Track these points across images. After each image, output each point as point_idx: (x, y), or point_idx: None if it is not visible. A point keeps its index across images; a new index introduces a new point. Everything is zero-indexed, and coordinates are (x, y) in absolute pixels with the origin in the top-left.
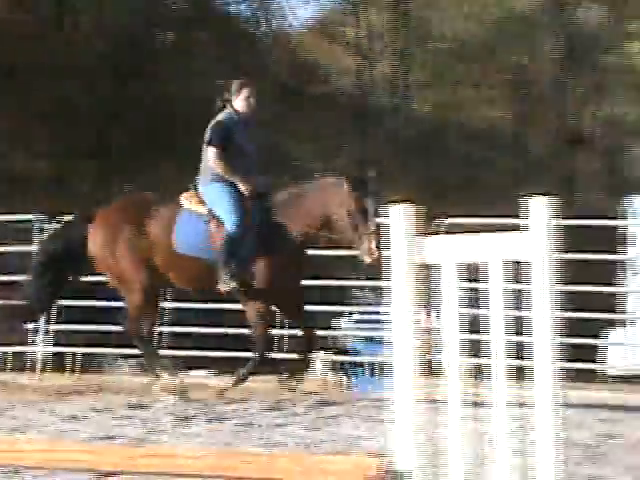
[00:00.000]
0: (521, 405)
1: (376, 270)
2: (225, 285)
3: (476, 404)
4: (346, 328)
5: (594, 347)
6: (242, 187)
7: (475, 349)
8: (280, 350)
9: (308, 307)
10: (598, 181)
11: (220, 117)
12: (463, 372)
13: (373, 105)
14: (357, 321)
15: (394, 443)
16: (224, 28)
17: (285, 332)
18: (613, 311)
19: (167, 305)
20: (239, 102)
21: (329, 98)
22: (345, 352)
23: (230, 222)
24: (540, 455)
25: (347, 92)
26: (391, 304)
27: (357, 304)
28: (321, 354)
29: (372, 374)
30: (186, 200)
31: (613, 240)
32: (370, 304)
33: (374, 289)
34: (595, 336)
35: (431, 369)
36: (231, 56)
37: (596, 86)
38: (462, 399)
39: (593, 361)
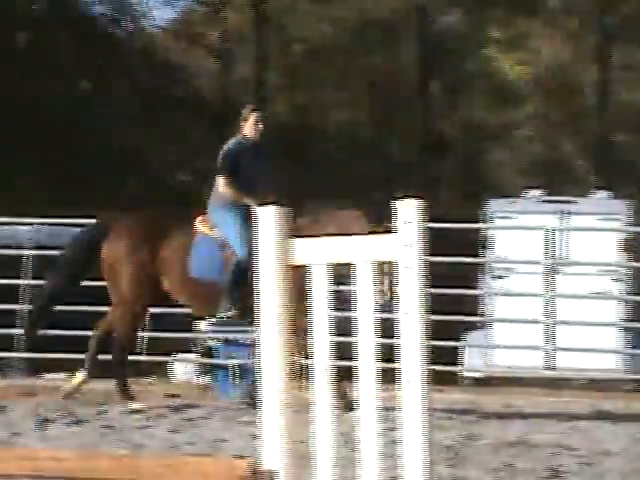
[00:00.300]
0: (389, 408)
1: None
2: (224, 312)
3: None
4: (208, 330)
5: (454, 349)
6: (255, 209)
7: (344, 351)
8: (140, 352)
9: (171, 310)
10: (458, 184)
11: (230, 144)
12: (331, 374)
13: (233, 107)
14: (220, 323)
15: (262, 445)
16: (83, 28)
17: (145, 334)
18: (473, 313)
19: (27, 307)
20: (248, 128)
21: (189, 100)
22: (209, 354)
23: (239, 250)
24: (407, 457)
25: (207, 94)
26: (259, 305)
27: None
28: (185, 356)
29: (235, 376)
30: (200, 225)
31: (473, 243)
32: None
33: None
34: (455, 338)
35: (299, 371)
36: (90, 57)
37: (456, 91)
38: (331, 401)
39: (453, 363)
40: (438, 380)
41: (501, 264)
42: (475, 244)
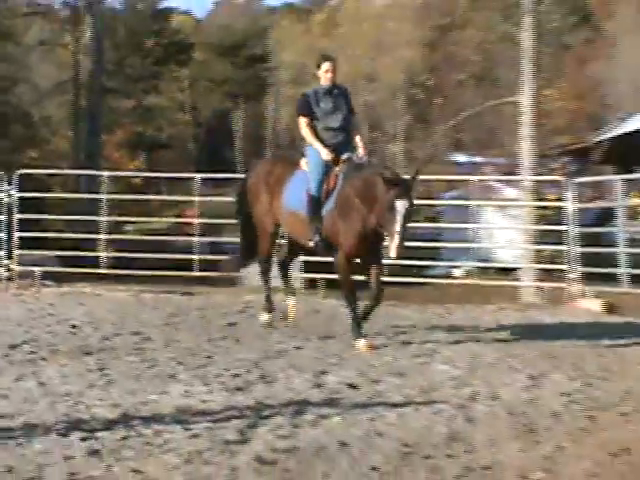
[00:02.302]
0: None
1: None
2: (310, 240)
3: None
4: None
5: None
6: (322, 152)
7: None
8: None
9: None
10: None
11: (306, 90)
12: None
13: None
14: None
15: None
16: None
17: None
18: None
19: None
20: (321, 75)
21: None
22: None
23: (312, 185)
24: None
25: None
26: None
27: None
28: None
29: None
30: (304, 162)
31: None
32: None
33: None
34: None
35: None
36: None
37: None
38: None
39: None
40: None
41: None
42: None
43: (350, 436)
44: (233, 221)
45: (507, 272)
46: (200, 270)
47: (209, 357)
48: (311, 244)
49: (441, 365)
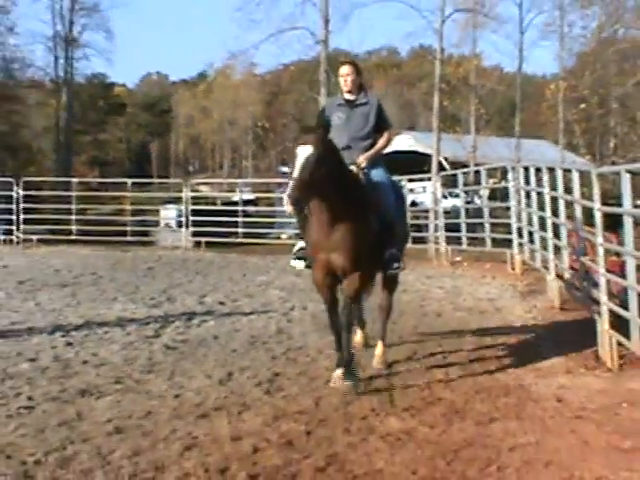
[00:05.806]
0: None
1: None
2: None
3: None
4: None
5: None
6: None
7: None
8: None
9: None
10: None
11: (326, 100)
12: None
13: None
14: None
15: None
16: None
17: None
18: None
19: None
20: (341, 83)
21: None
22: None
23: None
24: None
25: None
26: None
27: None
28: None
29: None
30: None
31: None
32: None
33: None
34: None
35: None
36: None
37: None
38: None
39: None
40: None
41: None
42: None
43: (220, 332)
44: (151, 207)
45: None
46: (132, 236)
47: (136, 287)
48: (293, 263)
49: (274, 290)
